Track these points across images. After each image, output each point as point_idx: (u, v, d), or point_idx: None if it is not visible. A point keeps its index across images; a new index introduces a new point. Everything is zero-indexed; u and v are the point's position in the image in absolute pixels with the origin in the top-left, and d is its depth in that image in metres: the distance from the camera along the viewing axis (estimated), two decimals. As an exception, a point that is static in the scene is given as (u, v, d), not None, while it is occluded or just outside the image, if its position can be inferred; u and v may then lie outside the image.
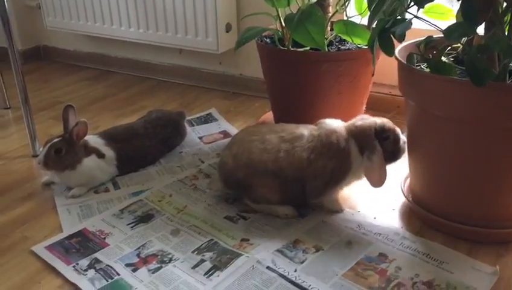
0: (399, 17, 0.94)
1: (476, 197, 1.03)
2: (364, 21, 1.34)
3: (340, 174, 1.13)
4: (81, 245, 1.09)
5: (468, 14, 0.86)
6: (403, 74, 1.05)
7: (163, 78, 2.13)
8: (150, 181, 1.35)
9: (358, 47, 1.33)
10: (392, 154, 1.14)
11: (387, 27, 0.92)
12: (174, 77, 2.10)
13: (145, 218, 1.18)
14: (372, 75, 1.15)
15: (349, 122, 1.16)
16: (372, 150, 1.08)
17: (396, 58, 1.03)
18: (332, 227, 1.13)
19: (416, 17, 0.92)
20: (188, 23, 1.84)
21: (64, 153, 1.26)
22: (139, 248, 1.08)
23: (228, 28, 1.82)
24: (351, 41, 1.32)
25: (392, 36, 0.95)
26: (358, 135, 1.11)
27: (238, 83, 1.95)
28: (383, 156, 1.10)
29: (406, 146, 1.15)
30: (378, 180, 1.10)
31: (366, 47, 1.31)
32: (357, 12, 1.35)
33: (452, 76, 0.94)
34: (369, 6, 1.06)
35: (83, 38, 2.28)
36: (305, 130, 1.14)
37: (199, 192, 1.28)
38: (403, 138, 1.15)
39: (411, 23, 0.90)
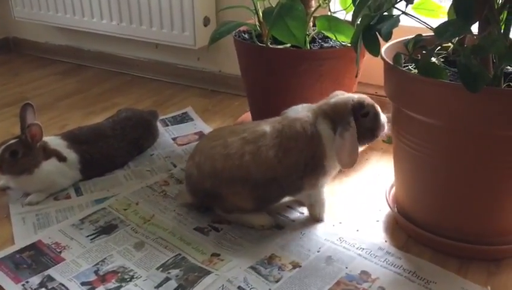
0: (386, 14, 0.85)
1: (467, 211, 0.95)
2: (349, 17, 1.25)
3: (316, 164, 1.03)
4: (34, 260, 0.99)
5: (462, 11, 0.77)
6: (389, 75, 0.96)
7: (139, 74, 2.02)
8: (116, 187, 1.24)
9: (342, 45, 1.24)
10: (371, 132, 1.03)
11: (372, 24, 0.83)
12: (150, 72, 1.99)
13: (108, 229, 1.08)
14: (356, 76, 1.06)
15: (320, 102, 1.06)
16: (346, 127, 0.98)
17: (382, 58, 0.94)
18: (311, 240, 1.04)
19: (404, 13, 0.83)
20: (163, 16, 1.73)
21: (21, 155, 1.15)
22: (97, 263, 0.98)
23: (206, 22, 1.71)
24: (334, 38, 1.23)
25: (377, 34, 0.86)
26: (332, 113, 1.01)
27: (217, 80, 1.85)
28: (361, 134, 1.00)
29: (386, 125, 1.05)
30: (348, 160, 1.00)
31: (350, 45, 1.22)
32: (341, 8, 1.26)
33: (443, 79, 0.85)
34: (353, 1, 0.97)
35: (55, 30, 2.16)
36: (267, 126, 1.03)
37: (169, 199, 1.18)
38: (384, 116, 1.05)
39: (399, 20, 0.81)
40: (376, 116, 1.03)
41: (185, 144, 1.46)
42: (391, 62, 0.93)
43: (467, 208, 0.94)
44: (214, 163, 1.02)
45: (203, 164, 1.04)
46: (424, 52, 0.87)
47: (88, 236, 1.06)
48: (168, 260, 0.99)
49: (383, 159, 1.34)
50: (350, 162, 1.00)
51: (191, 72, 1.90)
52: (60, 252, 1.01)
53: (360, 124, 1.00)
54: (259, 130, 1.03)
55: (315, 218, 1.10)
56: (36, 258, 0.99)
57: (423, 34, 0.92)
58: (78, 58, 2.17)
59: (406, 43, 0.92)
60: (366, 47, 0.86)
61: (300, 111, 1.06)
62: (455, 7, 0.78)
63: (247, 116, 1.51)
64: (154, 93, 1.85)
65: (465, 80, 0.76)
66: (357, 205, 1.16)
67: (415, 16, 0.85)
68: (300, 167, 1.02)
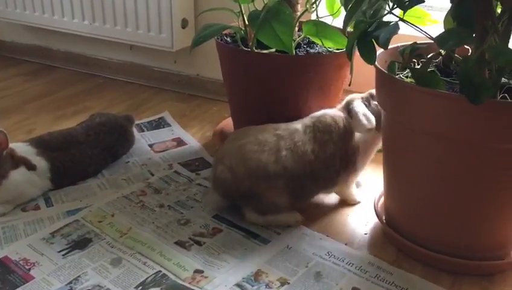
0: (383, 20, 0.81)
1: (459, 225, 0.92)
2: (336, 22, 1.22)
3: (350, 159, 1.08)
4: (0, 279, 0.91)
5: (464, 19, 0.74)
6: (383, 84, 0.92)
7: (111, 76, 1.93)
8: (89, 197, 1.16)
9: (328, 51, 1.20)
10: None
11: (370, 30, 0.79)
12: (124, 75, 1.91)
13: (81, 243, 1.01)
14: (349, 84, 1.02)
15: (338, 106, 1.13)
16: (351, 108, 1.07)
17: (375, 66, 0.90)
18: (299, 254, 1.00)
19: (402, 20, 0.80)
20: (139, 17, 1.66)
21: None
22: (70, 282, 0.90)
23: (184, 24, 1.65)
24: (320, 44, 1.19)
25: (373, 41, 0.82)
26: (347, 106, 1.09)
27: (194, 84, 1.79)
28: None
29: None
30: (365, 121, 1.04)
31: (338, 51, 1.18)
32: (328, 13, 1.22)
33: (440, 89, 0.82)
34: (345, 6, 0.93)
35: (22, 28, 2.05)
36: (297, 124, 1.07)
37: (147, 211, 1.12)
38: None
39: (398, 27, 0.77)
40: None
41: (163, 151, 1.39)
42: (385, 70, 0.89)
43: (459, 221, 0.91)
44: (247, 162, 1.01)
45: (235, 166, 1.01)
46: (421, 60, 0.83)
47: (60, 251, 0.98)
48: (148, 277, 0.92)
49: (371, 168, 1.30)
50: (366, 124, 1.03)
51: (167, 75, 1.83)
52: (29, 269, 0.93)
53: (374, 109, 1.07)
54: (290, 127, 1.06)
55: (352, 203, 1.16)
56: (2, 277, 0.91)
57: (418, 42, 0.90)
58: (46, 58, 2.06)
59: (401, 51, 0.89)
60: (362, 54, 0.82)
61: (326, 109, 1.11)
62: (455, 16, 0.75)
63: (227, 123, 1.46)
64: (128, 96, 1.77)
65: (467, 91, 0.73)
66: (344, 216, 1.13)
67: (413, 24, 0.81)
68: (336, 161, 1.05)
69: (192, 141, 1.45)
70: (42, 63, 2.08)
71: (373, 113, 1.07)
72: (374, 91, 1.08)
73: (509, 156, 0.82)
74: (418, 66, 0.90)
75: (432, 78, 0.81)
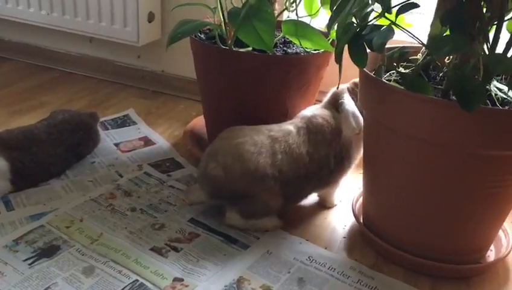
0: (374, 23, 0.80)
1: (439, 228, 0.93)
2: (314, 23, 1.20)
3: (343, 156, 1.07)
4: (-41, 292, 0.83)
5: (456, 25, 0.74)
6: (369, 88, 0.92)
7: (68, 70, 1.83)
8: (54, 200, 1.09)
9: (306, 51, 1.18)
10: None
11: (364, 33, 0.77)
12: (82, 68, 1.81)
13: (48, 251, 0.94)
14: (337, 87, 1.01)
15: (324, 100, 1.12)
16: (340, 103, 1.05)
17: (363, 70, 0.89)
18: (280, 259, 0.98)
19: (394, 24, 0.79)
20: (102, 8, 1.57)
21: None
22: (40, 294, 0.84)
23: (151, 18, 1.58)
24: (298, 44, 1.17)
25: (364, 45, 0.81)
26: (334, 102, 1.08)
27: (159, 81, 1.72)
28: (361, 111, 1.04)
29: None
30: (353, 122, 1.02)
31: (316, 52, 1.17)
32: (306, 13, 1.20)
33: (428, 94, 0.82)
34: (330, 7, 0.92)
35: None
36: (289, 125, 1.05)
37: (118, 215, 1.06)
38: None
39: (393, 32, 0.76)
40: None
41: (130, 151, 1.33)
42: (372, 74, 0.88)
43: (439, 225, 0.92)
44: (244, 163, 0.97)
45: (231, 165, 0.97)
46: (402, 64, 0.83)
47: (25, 260, 0.91)
48: (125, 287, 0.87)
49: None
50: (354, 125, 1.02)
51: (129, 70, 1.75)
52: (-8, 280, 0.86)
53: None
54: (284, 128, 1.04)
55: (329, 206, 1.15)
56: (-39, 290, 0.83)
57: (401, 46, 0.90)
58: (-4, 49, 1.93)
59: (390, 54, 0.88)
60: (353, 58, 0.81)
61: (314, 109, 1.09)
62: (449, 20, 0.75)
63: (198, 121, 1.41)
64: (88, 92, 1.69)
65: (460, 97, 0.73)
66: (322, 220, 1.11)
67: (404, 28, 0.81)
68: (330, 160, 1.04)
69: (161, 140, 1.40)
70: (-9, 54, 1.94)
71: (360, 106, 1.05)
72: (357, 80, 1.07)
73: (495, 162, 0.83)
74: (403, 70, 0.90)
75: (422, 84, 0.81)
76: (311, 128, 1.04)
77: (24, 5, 1.68)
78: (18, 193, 1.10)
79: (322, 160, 1.04)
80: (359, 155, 1.11)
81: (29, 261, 0.91)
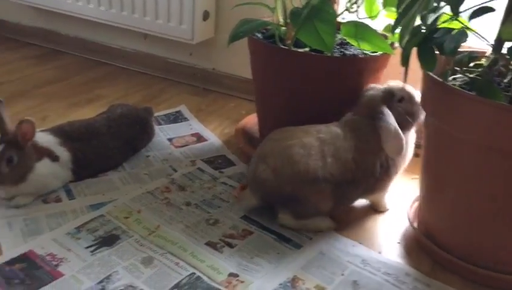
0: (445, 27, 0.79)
1: (505, 239, 0.90)
2: (374, 25, 1.19)
3: (389, 163, 1.04)
4: (27, 274, 0.86)
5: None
6: (436, 93, 0.90)
7: (123, 65, 1.88)
8: (112, 191, 1.12)
9: (363, 53, 1.17)
10: (411, 116, 1.05)
11: (435, 36, 0.76)
12: (136, 64, 1.85)
13: (109, 240, 0.96)
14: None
15: (360, 104, 1.08)
16: (378, 117, 1.00)
17: (429, 74, 0.88)
18: (333, 261, 0.97)
19: (467, 28, 0.77)
20: (159, 6, 1.61)
21: (17, 161, 1.00)
22: (102, 280, 0.86)
23: (206, 16, 1.61)
24: (356, 45, 1.16)
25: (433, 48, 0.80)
26: (367, 110, 1.04)
27: (210, 79, 1.75)
28: (402, 120, 1.02)
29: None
30: (394, 146, 1.00)
31: (374, 54, 1.15)
32: (366, 15, 1.19)
33: (499, 100, 0.80)
34: (397, 8, 0.90)
35: (29, 10, 1.97)
36: (337, 128, 1.04)
37: (173, 209, 1.08)
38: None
39: (466, 35, 0.75)
40: (411, 98, 1.05)
41: (183, 146, 1.35)
42: (438, 78, 0.87)
43: (506, 237, 0.90)
44: (294, 165, 0.97)
45: (280, 168, 0.98)
46: (464, 68, 0.81)
47: (87, 247, 0.94)
48: (182, 279, 0.89)
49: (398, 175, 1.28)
50: (397, 148, 1.00)
51: (182, 67, 1.78)
52: (57, 265, 0.89)
53: (398, 110, 1.03)
54: (332, 130, 1.03)
55: (381, 210, 1.14)
56: (29, 272, 0.86)
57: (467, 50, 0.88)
58: (52, 43, 1.99)
59: (458, 58, 0.86)
60: (422, 61, 0.80)
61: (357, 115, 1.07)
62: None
63: (250, 120, 1.42)
64: (142, 87, 1.72)
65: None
66: (375, 223, 1.10)
67: (477, 33, 0.79)
68: (376, 168, 1.03)
69: (212, 137, 1.41)
70: (47, 47, 2.01)
71: (398, 116, 1.02)
72: (393, 86, 1.05)
73: None
74: (472, 75, 0.88)
75: (492, 89, 0.79)
76: (359, 136, 1.02)
77: (84, 1, 1.73)
78: (78, 183, 1.14)
79: (369, 168, 1.02)
80: (405, 161, 1.09)
81: (91, 249, 0.94)
